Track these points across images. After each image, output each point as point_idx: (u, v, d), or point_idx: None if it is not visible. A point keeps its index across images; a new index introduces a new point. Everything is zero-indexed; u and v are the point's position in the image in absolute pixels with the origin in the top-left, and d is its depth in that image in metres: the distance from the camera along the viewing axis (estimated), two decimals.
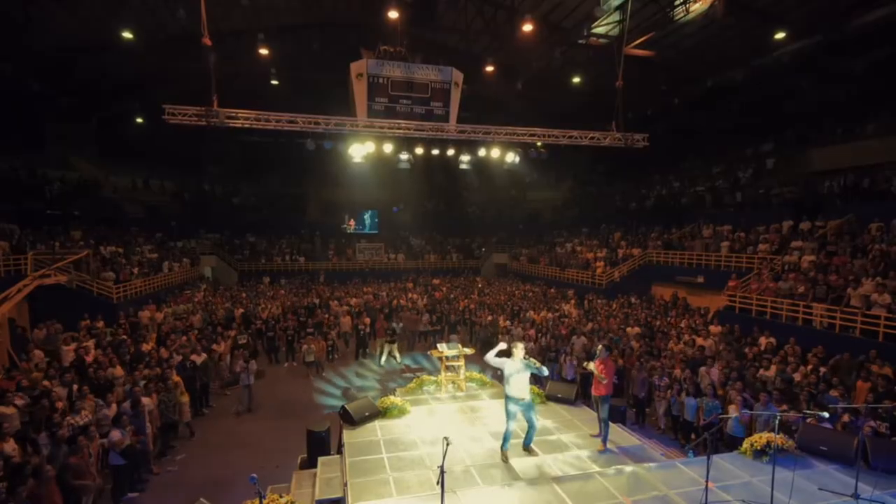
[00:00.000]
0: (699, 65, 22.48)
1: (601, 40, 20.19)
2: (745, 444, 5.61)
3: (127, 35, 17.81)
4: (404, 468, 6.15)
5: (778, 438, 5.49)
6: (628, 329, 13.98)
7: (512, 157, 13.20)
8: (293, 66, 21.66)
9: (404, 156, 13.00)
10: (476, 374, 9.52)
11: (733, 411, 8.16)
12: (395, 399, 7.92)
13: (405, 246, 35.13)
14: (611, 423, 7.49)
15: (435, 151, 13.34)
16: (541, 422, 7.64)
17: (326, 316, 16.45)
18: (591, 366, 6.93)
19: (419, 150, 13.42)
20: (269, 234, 33.60)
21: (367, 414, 7.55)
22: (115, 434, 7.54)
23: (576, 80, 23.47)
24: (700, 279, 17.79)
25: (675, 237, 20.75)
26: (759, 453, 5.45)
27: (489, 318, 16.31)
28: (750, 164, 23.34)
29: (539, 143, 13.07)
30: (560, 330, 14.24)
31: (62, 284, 15.14)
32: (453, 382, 9.12)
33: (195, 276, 27.36)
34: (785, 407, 7.54)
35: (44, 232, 18.47)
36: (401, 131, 12.04)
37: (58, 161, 28.24)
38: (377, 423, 7.52)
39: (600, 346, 7.16)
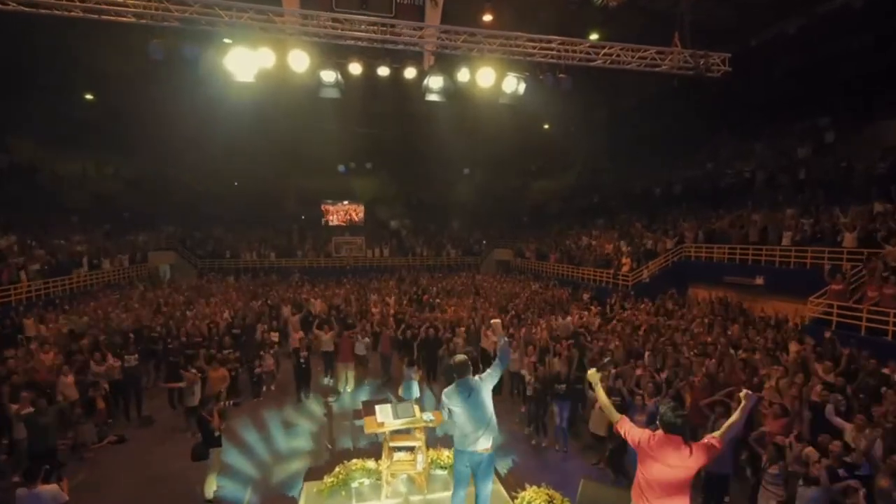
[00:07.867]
0: (744, 16, 18.26)
1: None
2: None
3: None
4: None
5: None
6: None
7: (514, 85, 8.29)
8: None
9: (329, 76, 7.80)
10: (445, 455, 5.38)
11: None
12: None
13: (395, 240, 31.04)
14: None
15: (384, 71, 8.17)
16: None
17: (269, 331, 12.09)
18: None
19: (356, 69, 7.97)
20: (238, 227, 29.57)
21: None
22: None
23: (593, 37, 19.40)
24: (759, 280, 13.65)
25: (717, 226, 16.57)
26: None
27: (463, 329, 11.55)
28: (803, 139, 19.16)
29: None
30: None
31: None
32: (406, 474, 5.05)
33: (142, 274, 23.43)
34: None
35: None
36: (316, 29, 7.31)
37: None
38: None
39: (666, 410, 3.16)
